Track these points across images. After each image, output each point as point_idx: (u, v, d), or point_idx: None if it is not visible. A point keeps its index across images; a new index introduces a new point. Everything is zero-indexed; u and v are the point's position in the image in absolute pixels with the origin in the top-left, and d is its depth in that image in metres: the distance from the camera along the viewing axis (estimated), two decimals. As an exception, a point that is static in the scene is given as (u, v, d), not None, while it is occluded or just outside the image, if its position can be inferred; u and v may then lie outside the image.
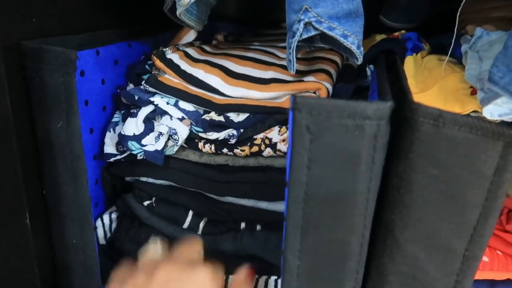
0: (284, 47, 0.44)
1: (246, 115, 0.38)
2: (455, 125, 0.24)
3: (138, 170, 0.42)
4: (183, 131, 0.37)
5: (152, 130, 0.38)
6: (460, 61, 0.43)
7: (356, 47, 0.30)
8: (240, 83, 0.39)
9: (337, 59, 0.42)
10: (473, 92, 0.39)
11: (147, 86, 0.39)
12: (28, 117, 0.34)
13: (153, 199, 0.43)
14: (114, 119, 0.42)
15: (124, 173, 0.43)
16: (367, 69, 0.42)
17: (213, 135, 0.37)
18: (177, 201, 0.42)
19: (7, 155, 0.33)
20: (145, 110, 0.38)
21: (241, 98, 0.39)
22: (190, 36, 0.57)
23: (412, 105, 0.25)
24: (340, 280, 0.29)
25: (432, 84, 0.39)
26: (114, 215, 0.45)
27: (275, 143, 0.36)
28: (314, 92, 0.37)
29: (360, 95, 0.41)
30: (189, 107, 0.39)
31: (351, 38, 0.30)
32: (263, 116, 0.37)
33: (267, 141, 0.36)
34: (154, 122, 0.39)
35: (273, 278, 0.40)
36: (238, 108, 0.38)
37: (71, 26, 0.39)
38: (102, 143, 0.43)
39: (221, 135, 0.37)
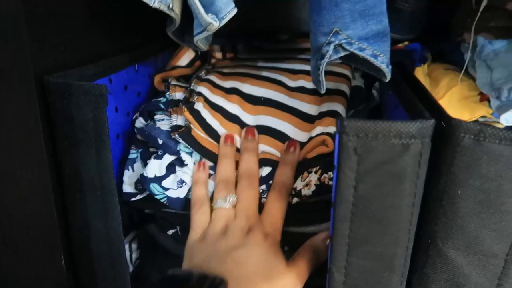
0: (287, 70, 0.45)
1: (270, 169, 0.40)
2: (495, 139, 0.26)
3: (159, 204, 0.41)
4: (208, 185, 0.38)
5: (173, 172, 0.38)
6: (461, 68, 0.45)
7: (386, 66, 0.31)
8: (261, 138, 0.41)
9: (347, 72, 0.43)
10: (481, 99, 0.41)
11: (178, 137, 0.39)
12: (53, 153, 0.33)
13: (177, 227, 0.42)
14: (131, 156, 0.41)
15: (145, 207, 0.42)
16: (373, 90, 0.43)
17: None
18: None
19: (44, 194, 0.32)
20: (171, 157, 0.38)
21: (263, 152, 0.41)
22: (190, 54, 0.57)
23: (453, 122, 0.27)
24: (385, 293, 0.30)
25: (442, 93, 0.41)
26: (134, 245, 0.44)
27: (300, 191, 0.37)
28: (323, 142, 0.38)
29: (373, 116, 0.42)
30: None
31: (381, 57, 0.31)
32: None
33: (292, 192, 0.37)
34: (176, 167, 0.39)
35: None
36: (262, 163, 0.40)
37: (83, 56, 0.39)
38: (118, 174, 0.42)
39: None
